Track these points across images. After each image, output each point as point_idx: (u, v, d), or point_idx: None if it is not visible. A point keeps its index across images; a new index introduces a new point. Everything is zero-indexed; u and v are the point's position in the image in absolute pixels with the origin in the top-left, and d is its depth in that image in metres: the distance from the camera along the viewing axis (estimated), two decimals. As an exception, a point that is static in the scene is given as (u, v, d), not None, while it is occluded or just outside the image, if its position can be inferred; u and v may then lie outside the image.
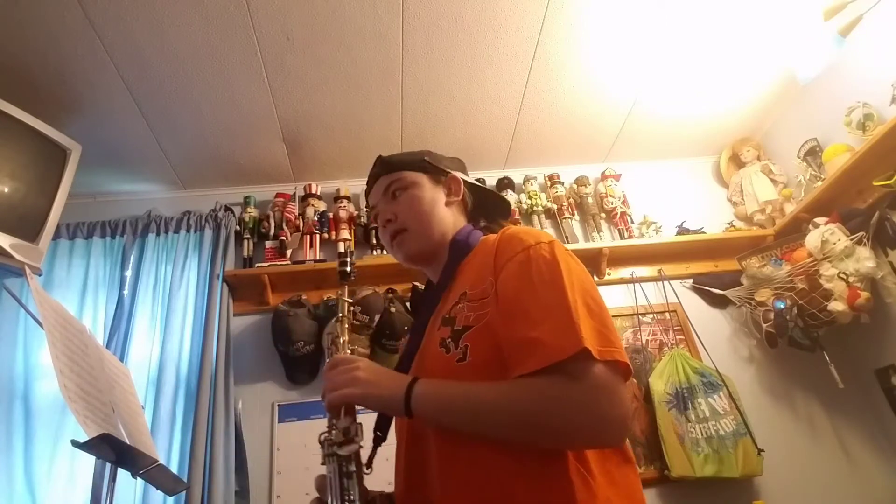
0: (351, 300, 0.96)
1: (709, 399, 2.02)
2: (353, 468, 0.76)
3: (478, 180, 1.10)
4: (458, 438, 0.72)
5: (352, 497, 0.74)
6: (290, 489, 1.92)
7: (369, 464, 0.83)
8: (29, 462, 1.81)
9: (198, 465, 1.78)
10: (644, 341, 2.25)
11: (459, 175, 1.01)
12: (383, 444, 0.88)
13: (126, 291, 2.12)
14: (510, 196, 2.50)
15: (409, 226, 0.95)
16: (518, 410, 0.67)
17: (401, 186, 0.98)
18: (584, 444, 0.68)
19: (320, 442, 0.79)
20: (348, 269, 0.96)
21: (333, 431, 0.78)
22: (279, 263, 2.26)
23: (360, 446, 0.78)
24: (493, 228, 0.98)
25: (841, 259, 1.95)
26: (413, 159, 1.01)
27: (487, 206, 1.05)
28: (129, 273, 2.16)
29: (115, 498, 1.30)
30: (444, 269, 0.93)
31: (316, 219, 2.38)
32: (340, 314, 0.93)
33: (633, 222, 2.50)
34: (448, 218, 0.96)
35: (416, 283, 2.17)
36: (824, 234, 2.00)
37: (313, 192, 2.45)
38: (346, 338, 0.90)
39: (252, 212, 2.39)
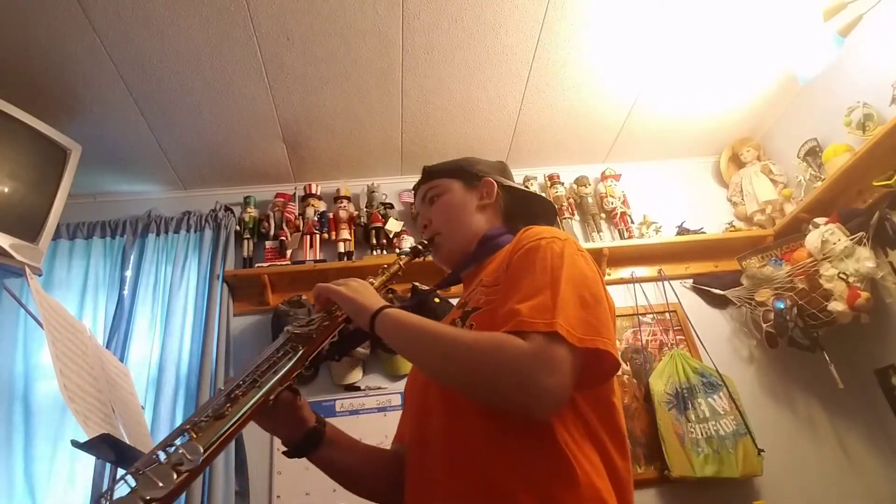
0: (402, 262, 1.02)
1: (709, 399, 2.02)
2: (294, 351, 0.79)
3: (526, 184, 1.13)
4: (461, 413, 0.75)
5: (273, 367, 0.76)
6: (290, 489, 1.92)
7: (311, 366, 0.84)
8: (29, 462, 1.81)
9: (198, 465, 1.78)
10: (644, 341, 2.25)
11: (496, 178, 1.04)
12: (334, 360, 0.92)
13: (126, 291, 2.12)
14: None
15: (441, 230, 1.01)
16: (461, 346, 0.71)
17: (435, 193, 1.04)
18: (506, 399, 0.68)
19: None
20: (420, 247, 1.03)
21: (304, 318, 0.85)
22: (279, 263, 2.26)
23: (312, 337, 0.81)
24: None
25: (841, 259, 1.95)
26: (448, 167, 1.07)
27: (528, 209, 1.06)
28: (129, 273, 2.16)
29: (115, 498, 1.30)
30: (468, 260, 0.98)
31: (316, 219, 2.38)
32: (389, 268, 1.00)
33: (633, 222, 2.50)
34: (480, 221, 1.00)
35: (416, 283, 2.17)
36: (824, 234, 2.00)
37: (313, 192, 2.45)
38: (377, 284, 0.95)
39: (252, 212, 2.39)
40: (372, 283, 0.90)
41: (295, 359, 0.78)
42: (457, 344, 0.72)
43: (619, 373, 2.18)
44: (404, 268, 1.01)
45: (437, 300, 2.04)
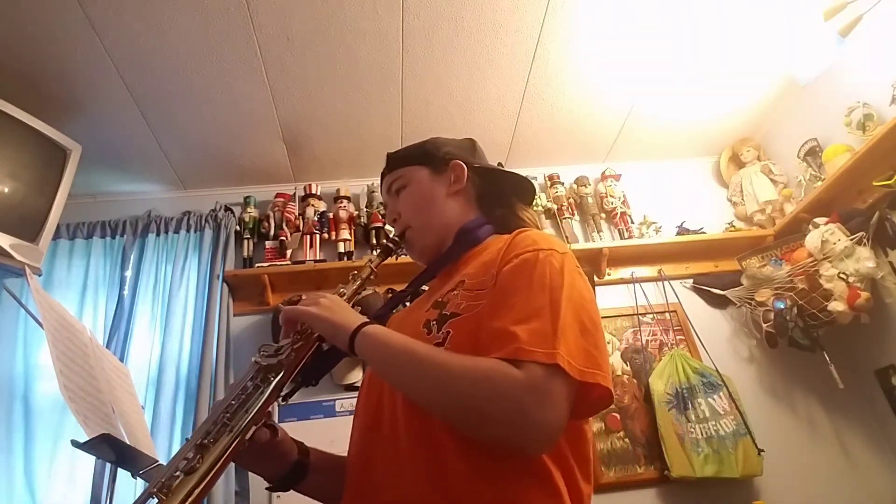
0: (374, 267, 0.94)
1: (709, 399, 2.02)
2: (265, 384, 0.72)
3: (499, 164, 1.04)
4: (427, 433, 0.69)
5: (244, 405, 0.69)
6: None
7: (286, 397, 0.78)
8: (29, 462, 1.81)
9: (198, 465, 1.78)
10: (644, 341, 2.25)
11: (466, 160, 0.96)
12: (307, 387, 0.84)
13: (126, 291, 2.12)
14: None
15: (412, 223, 0.94)
16: (450, 374, 0.65)
17: (401, 185, 0.96)
18: (497, 433, 0.63)
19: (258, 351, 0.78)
20: (391, 245, 0.96)
21: (272, 346, 0.77)
22: (279, 263, 2.26)
23: (282, 366, 0.74)
24: (509, 217, 0.95)
25: (841, 259, 1.95)
26: (413, 153, 0.99)
27: (502, 189, 0.98)
28: (129, 273, 2.16)
29: (115, 498, 1.30)
30: (445, 254, 0.91)
31: (316, 219, 2.38)
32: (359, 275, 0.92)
33: (633, 222, 2.50)
34: (452, 209, 0.93)
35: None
36: (824, 234, 2.00)
37: (313, 192, 2.45)
38: (349, 293, 0.88)
39: (252, 212, 2.39)
40: (343, 294, 0.85)
41: (267, 393, 0.71)
42: (445, 370, 0.65)
43: (620, 373, 2.18)
44: (376, 270, 0.93)
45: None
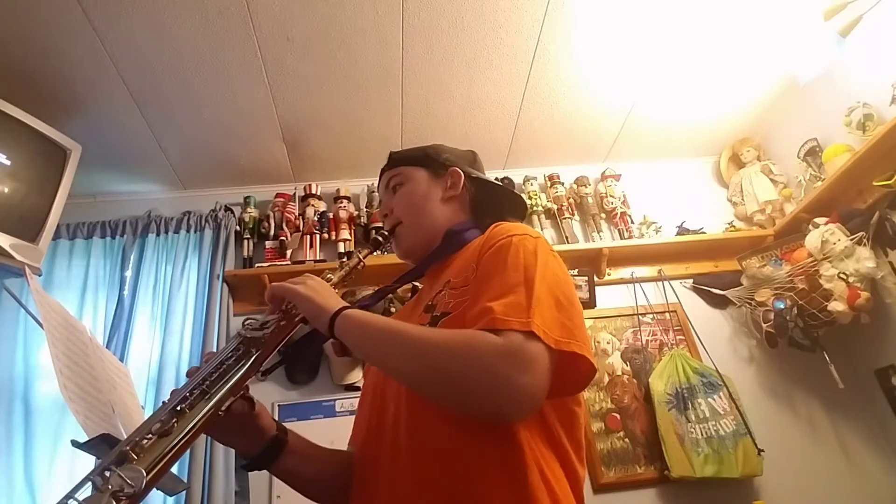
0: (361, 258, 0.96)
1: (709, 399, 2.02)
2: (247, 357, 0.73)
3: (498, 179, 1.09)
4: (426, 415, 0.70)
5: (224, 375, 0.69)
6: (290, 489, 1.91)
7: (266, 373, 0.79)
8: (29, 462, 1.81)
9: (198, 465, 1.78)
10: (644, 341, 2.25)
11: (464, 169, 0.99)
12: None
13: (126, 291, 2.12)
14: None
15: (403, 219, 0.96)
16: (429, 346, 0.66)
17: (399, 182, 1.00)
18: (478, 401, 0.63)
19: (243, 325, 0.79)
20: (381, 238, 0.98)
21: (257, 320, 0.78)
22: (279, 263, 2.26)
23: (263, 341, 0.75)
24: None
25: (841, 259, 1.95)
26: (414, 154, 1.03)
27: (496, 202, 1.01)
28: (129, 273, 2.16)
29: (115, 498, 1.30)
30: (432, 255, 0.93)
31: (316, 219, 2.38)
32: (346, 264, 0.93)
33: (633, 222, 2.50)
34: (444, 213, 0.96)
35: (417, 284, 2.17)
36: (824, 234, 2.00)
37: (313, 192, 2.45)
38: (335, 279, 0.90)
39: (252, 212, 2.39)
40: (330, 280, 0.86)
41: (247, 365, 0.72)
42: (424, 343, 0.66)
43: (620, 373, 2.18)
44: (364, 262, 0.94)
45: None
